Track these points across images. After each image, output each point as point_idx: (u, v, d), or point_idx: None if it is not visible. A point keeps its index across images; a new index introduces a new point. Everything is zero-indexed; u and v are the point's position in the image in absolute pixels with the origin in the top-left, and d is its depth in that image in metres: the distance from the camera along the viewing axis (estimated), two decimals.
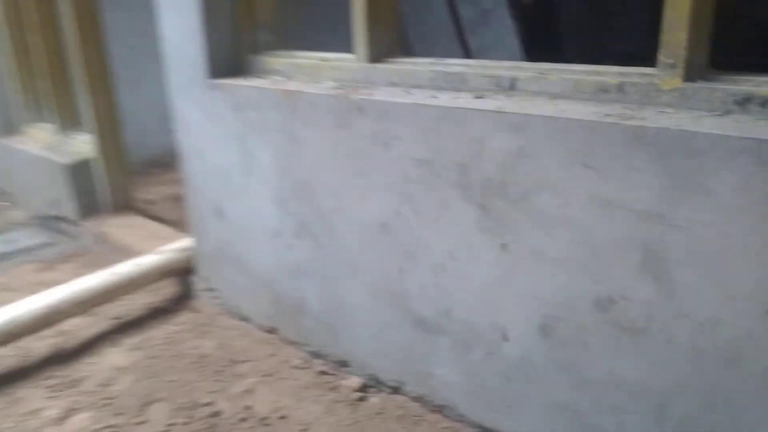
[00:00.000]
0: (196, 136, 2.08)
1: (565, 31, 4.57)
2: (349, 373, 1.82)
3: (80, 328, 2.23)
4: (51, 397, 1.89)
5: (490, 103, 1.35)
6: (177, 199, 3.52)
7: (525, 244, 1.32)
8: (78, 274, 2.70)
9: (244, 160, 1.94)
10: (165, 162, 4.19)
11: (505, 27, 4.82)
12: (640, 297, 1.18)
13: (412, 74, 1.58)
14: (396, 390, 1.71)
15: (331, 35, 2.52)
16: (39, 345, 2.12)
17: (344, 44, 1.97)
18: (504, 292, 1.39)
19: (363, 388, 1.76)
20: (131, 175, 3.16)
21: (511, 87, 1.40)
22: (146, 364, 2.01)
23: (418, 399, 1.66)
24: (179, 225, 3.01)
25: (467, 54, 4.72)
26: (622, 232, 1.18)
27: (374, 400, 1.72)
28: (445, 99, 1.43)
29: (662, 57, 1.19)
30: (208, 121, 2.01)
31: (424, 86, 1.55)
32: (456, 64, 1.52)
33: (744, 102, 1.12)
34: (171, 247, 2.37)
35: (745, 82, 1.14)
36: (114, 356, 2.08)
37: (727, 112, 1.13)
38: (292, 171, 1.80)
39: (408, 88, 1.58)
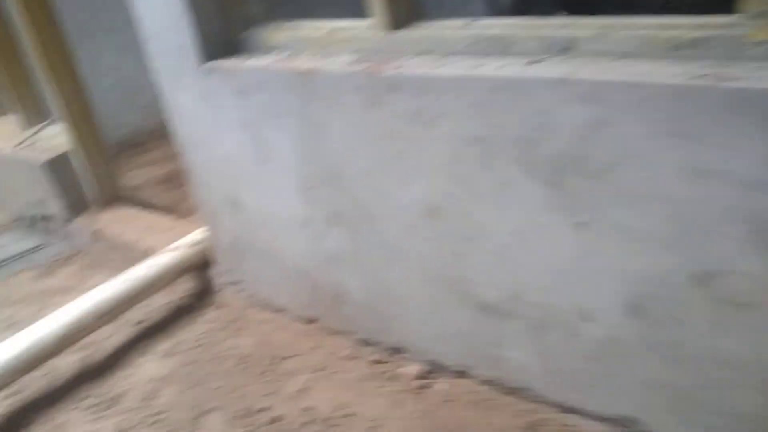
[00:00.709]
0: (197, 126, 1.90)
1: None
2: (406, 360, 1.75)
3: (104, 338, 2.11)
4: (96, 419, 1.80)
5: (552, 70, 1.21)
6: (163, 182, 3.33)
7: (607, 222, 1.23)
8: (81, 278, 2.57)
9: (257, 149, 1.77)
10: (139, 142, 3.95)
11: None
12: (746, 270, 1.10)
13: (444, 40, 1.41)
14: (461, 374, 1.65)
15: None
16: (66, 362, 2.01)
17: (343, 7, 1.79)
18: (583, 272, 1.31)
19: (424, 375, 1.70)
20: (114, 163, 2.94)
21: (567, 48, 1.26)
22: (186, 372, 1.92)
23: (488, 382, 1.60)
24: (173, 211, 2.86)
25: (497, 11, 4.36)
26: (724, 204, 1.08)
27: (439, 386, 1.66)
28: (495, 68, 1.28)
29: (749, 5, 1.06)
30: (209, 109, 1.82)
31: (460, 53, 1.39)
32: (497, 25, 1.36)
33: None
34: (184, 242, 2.22)
35: None
36: (149, 366, 1.98)
37: None
38: (316, 157, 1.65)
39: (441, 56, 1.42)
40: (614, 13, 1.25)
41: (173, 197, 3.03)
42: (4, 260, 2.80)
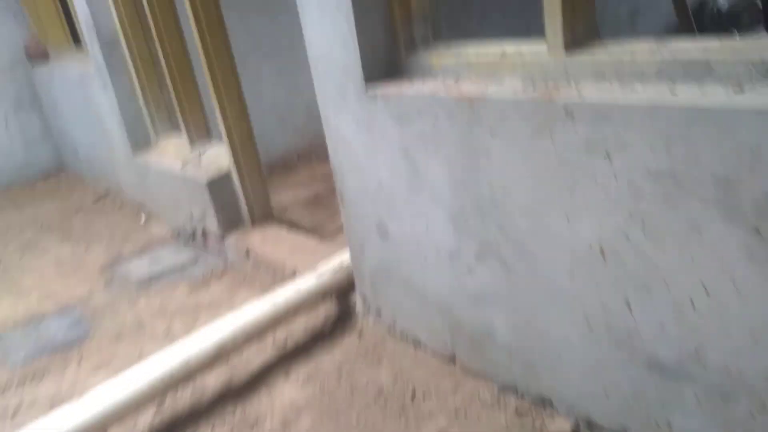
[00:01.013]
0: (353, 151, 1.90)
1: None
2: (554, 413, 1.59)
3: (247, 357, 2.15)
4: None
5: (765, 100, 1.04)
6: (309, 204, 3.43)
7: None
8: (230, 294, 2.67)
9: (411, 176, 1.73)
10: (288, 163, 4.14)
11: None
12: None
13: (628, 63, 1.28)
14: None
15: (480, 21, 2.24)
16: (209, 378, 2.06)
17: (511, 29, 1.72)
18: None
19: None
20: (268, 185, 3.06)
21: None
22: (323, 401, 1.88)
23: None
24: (318, 232, 2.92)
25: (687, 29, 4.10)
26: None
27: None
28: (692, 95, 1.13)
29: None
30: (367, 134, 1.81)
31: (647, 79, 1.26)
32: (692, 48, 1.21)
33: None
34: (328, 266, 2.22)
35: None
36: (287, 390, 1.96)
37: None
38: (473, 187, 1.57)
39: (625, 81, 1.29)
40: None
41: (318, 218, 3.11)
42: (161, 272, 2.99)
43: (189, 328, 2.38)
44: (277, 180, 3.83)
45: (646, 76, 1.26)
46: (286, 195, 3.58)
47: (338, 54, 1.77)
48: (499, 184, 1.50)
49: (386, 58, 1.75)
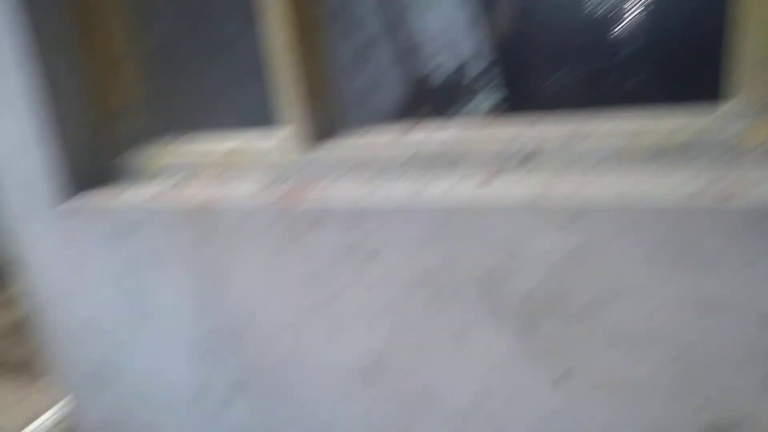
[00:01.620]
0: (56, 278, 1.49)
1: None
2: None
3: None
4: None
5: (515, 190, 0.99)
6: (12, 333, 2.78)
7: (595, 370, 0.98)
8: None
9: (137, 303, 1.40)
10: None
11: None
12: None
13: (377, 155, 1.18)
14: None
15: (220, 103, 2.01)
16: None
17: (251, 116, 1.54)
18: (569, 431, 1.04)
19: None
20: None
21: (529, 158, 1.06)
22: None
23: None
24: (29, 370, 2.32)
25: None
26: (739, 341, 0.88)
27: None
28: (439, 192, 1.05)
29: (737, 103, 0.92)
30: (74, 257, 1.44)
31: (395, 173, 1.16)
32: (435, 139, 1.14)
33: None
34: (44, 424, 1.71)
35: None
36: None
37: None
38: (214, 312, 1.30)
39: (376, 173, 1.17)
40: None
41: (27, 349, 2.48)
42: None
43: None
44: None
45: (393, 171, 1.16)
46: None
47: (24, 160, 1.40)
48: (246, 305, 1.26)
49: (91, 163, 1.43)
